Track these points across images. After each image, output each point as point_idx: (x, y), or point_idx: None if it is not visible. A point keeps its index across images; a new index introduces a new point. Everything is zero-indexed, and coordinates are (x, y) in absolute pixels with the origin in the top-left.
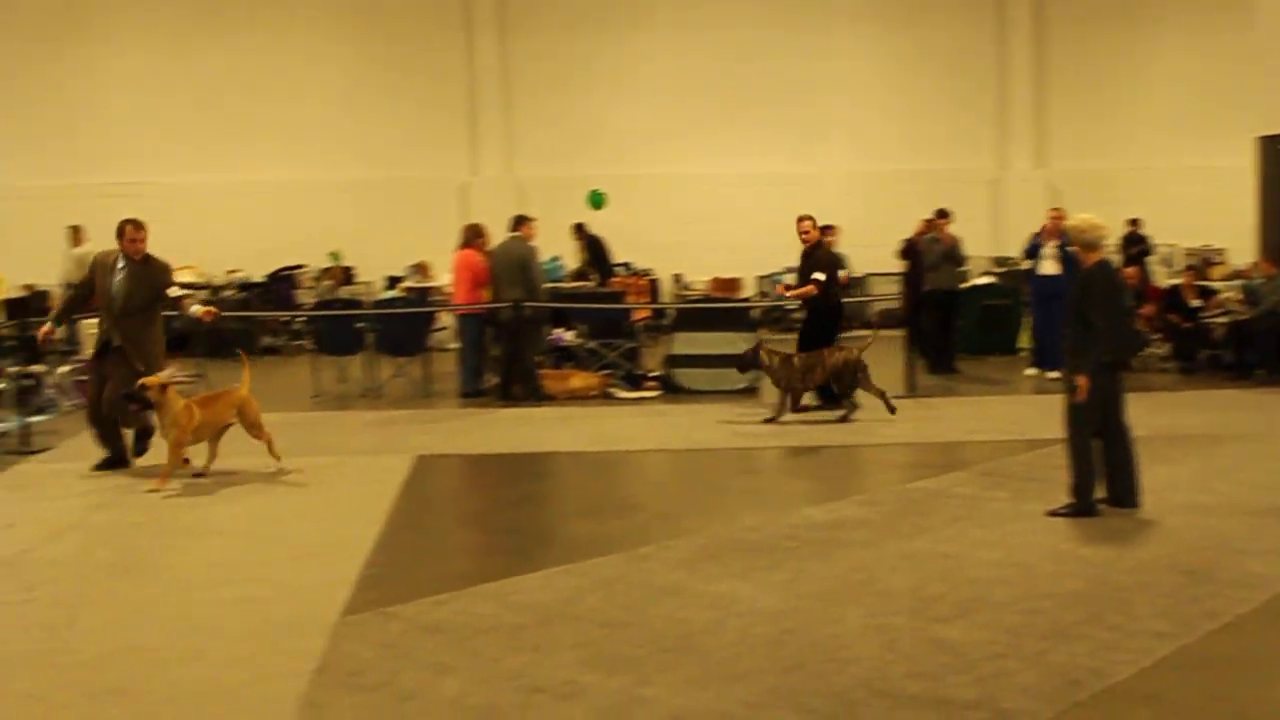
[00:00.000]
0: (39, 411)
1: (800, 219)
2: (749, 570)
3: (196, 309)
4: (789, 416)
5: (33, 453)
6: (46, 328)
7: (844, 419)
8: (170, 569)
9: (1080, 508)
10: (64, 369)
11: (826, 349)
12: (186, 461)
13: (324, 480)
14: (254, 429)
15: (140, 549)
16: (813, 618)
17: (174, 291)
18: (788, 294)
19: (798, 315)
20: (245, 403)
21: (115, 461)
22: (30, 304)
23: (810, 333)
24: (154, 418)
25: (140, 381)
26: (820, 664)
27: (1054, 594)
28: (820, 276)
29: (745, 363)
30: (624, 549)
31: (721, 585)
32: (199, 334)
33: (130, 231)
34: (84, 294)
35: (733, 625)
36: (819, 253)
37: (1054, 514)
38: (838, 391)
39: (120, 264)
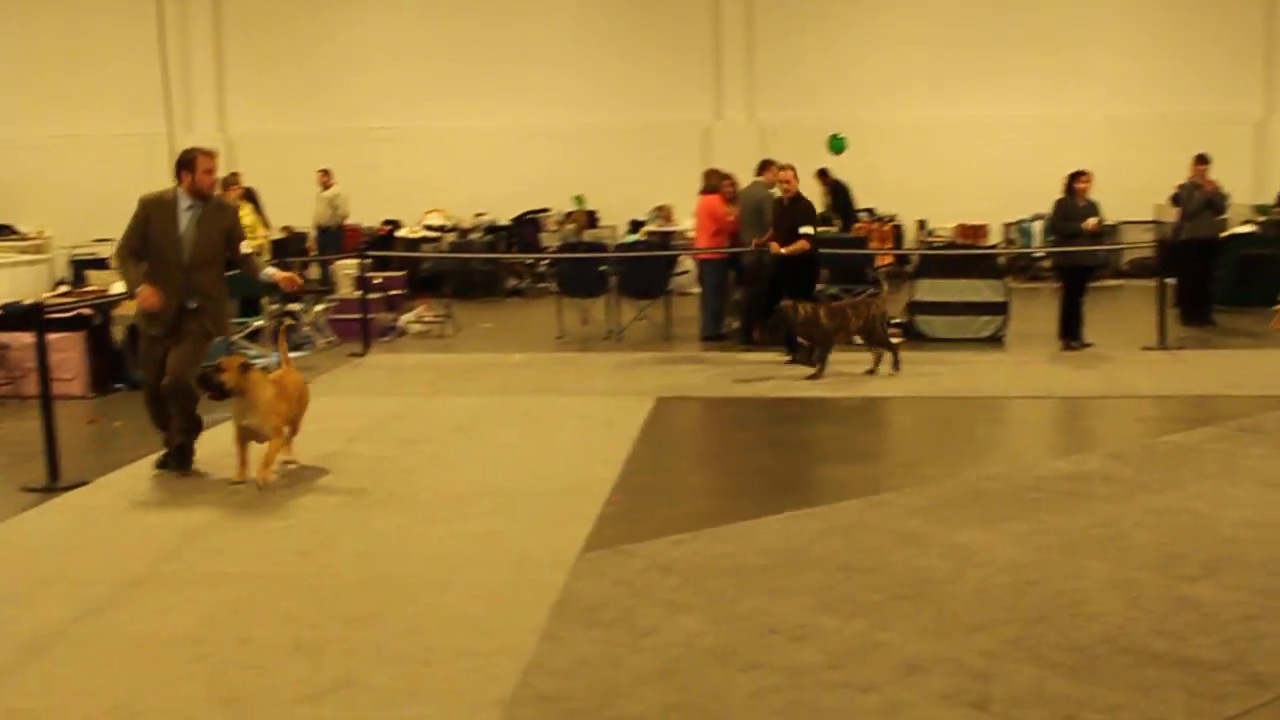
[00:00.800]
0: (296, 348)
1: (781, 168)
2: (990, 520)
3: (273, 272)
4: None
5: None
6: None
7: (817, 375)
8: (419, 502)
9: None
10: (319, 307)
11: (853, 300)
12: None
13: (566, 419)
14: (296, 420)
15: (392, 481)
16: (1054, 570)
17: (246, 247)
18: (783, 251)
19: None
20: (305, 390)
21: (183, 455)
22: (289, 245)
23: (790, 287)
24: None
25: (217, 362)
26: (1061, 617)
27: None
28: (810, 231)
29: (786, 322)
30: (864, 495)
31: (961, 534)
32: (449, 275)
33: (204, 162)
34: (136, 248)
35: (972, 575)
36: (801, 205)
37: None
38: (866, 342)
39: (186, 205)
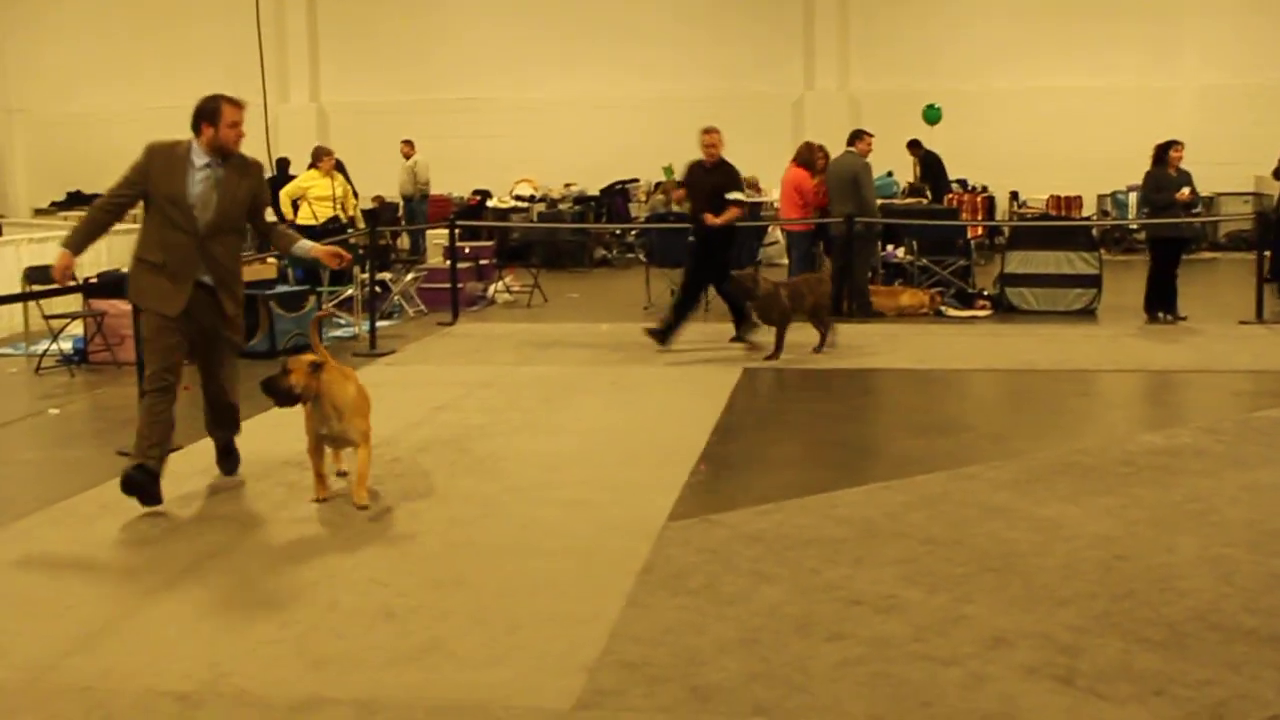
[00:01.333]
0: (386, 316)
1: (706, 130)
2: (1078, 494)
3: (311, 246)
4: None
5: (380, 355)
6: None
7: (751, 346)
8: (506, 470)
9: None
10: (409, 277)
11: (807, 277)
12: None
13: (654, 389)
14: None
15: (479, 448)
16: (1144, 545)
17: (271, 216)
18: (716, 221)
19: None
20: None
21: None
22: (380, 215)
23: (707, 258)
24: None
25: (284, 364)
26: (1151, 592)
27: None
28: (740, 197)
29: (744, 291)
30: (950, 467)
31: (1049, 508)
32: (537, 245)
33: (230, 114)
34: (122, 203)
35: (1060, 549)
36: (724, 170)
37: None
38: (814, 322)
39: (202, 163)
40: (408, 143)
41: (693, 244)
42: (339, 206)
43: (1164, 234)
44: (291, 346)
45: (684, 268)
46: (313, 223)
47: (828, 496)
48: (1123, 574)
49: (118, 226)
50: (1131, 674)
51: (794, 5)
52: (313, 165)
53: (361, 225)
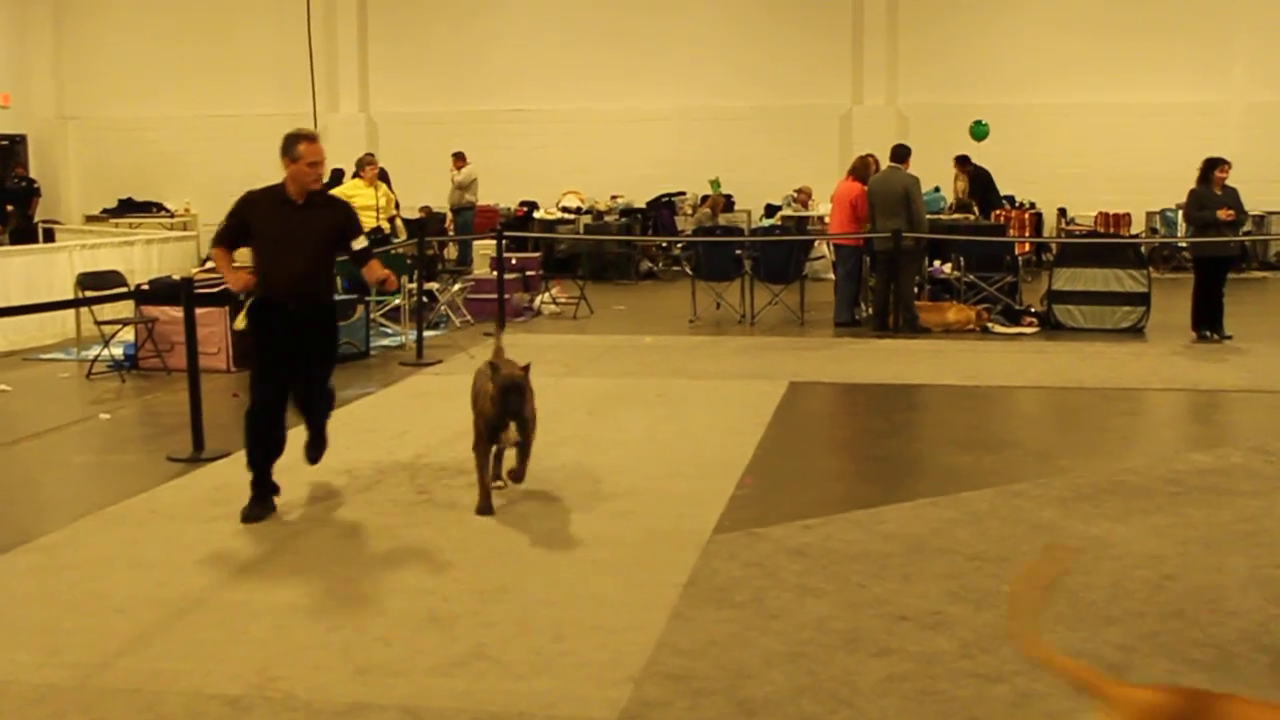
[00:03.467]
0: (433, 327)
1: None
2: (1127, 513)
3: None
4: None
5: (426, 365)
6: None
7: None
8: (552, 480)
9: None
10: (456, 287)
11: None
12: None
13: (700, 402)
14: None
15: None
16: (1193, 565)
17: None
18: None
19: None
20: None
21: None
22: (427, 225)
23: None
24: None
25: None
26: (1200, 613)
27: None
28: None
29: None
30: (996, 484)
31: (1097, 526)
32: (584, 256)
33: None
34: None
35: (1107, 568)
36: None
37: None
38: None
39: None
40: (459, 155)
41: None
42: (382, 216)
43: (1209, 252)
44: (339, 355)
45: None
46: None
47: (874, 511)
48: (1171, 594)
49: (167, 235)
50: None
51: (843, 19)
52: (356, 174)
53: (403, 236)
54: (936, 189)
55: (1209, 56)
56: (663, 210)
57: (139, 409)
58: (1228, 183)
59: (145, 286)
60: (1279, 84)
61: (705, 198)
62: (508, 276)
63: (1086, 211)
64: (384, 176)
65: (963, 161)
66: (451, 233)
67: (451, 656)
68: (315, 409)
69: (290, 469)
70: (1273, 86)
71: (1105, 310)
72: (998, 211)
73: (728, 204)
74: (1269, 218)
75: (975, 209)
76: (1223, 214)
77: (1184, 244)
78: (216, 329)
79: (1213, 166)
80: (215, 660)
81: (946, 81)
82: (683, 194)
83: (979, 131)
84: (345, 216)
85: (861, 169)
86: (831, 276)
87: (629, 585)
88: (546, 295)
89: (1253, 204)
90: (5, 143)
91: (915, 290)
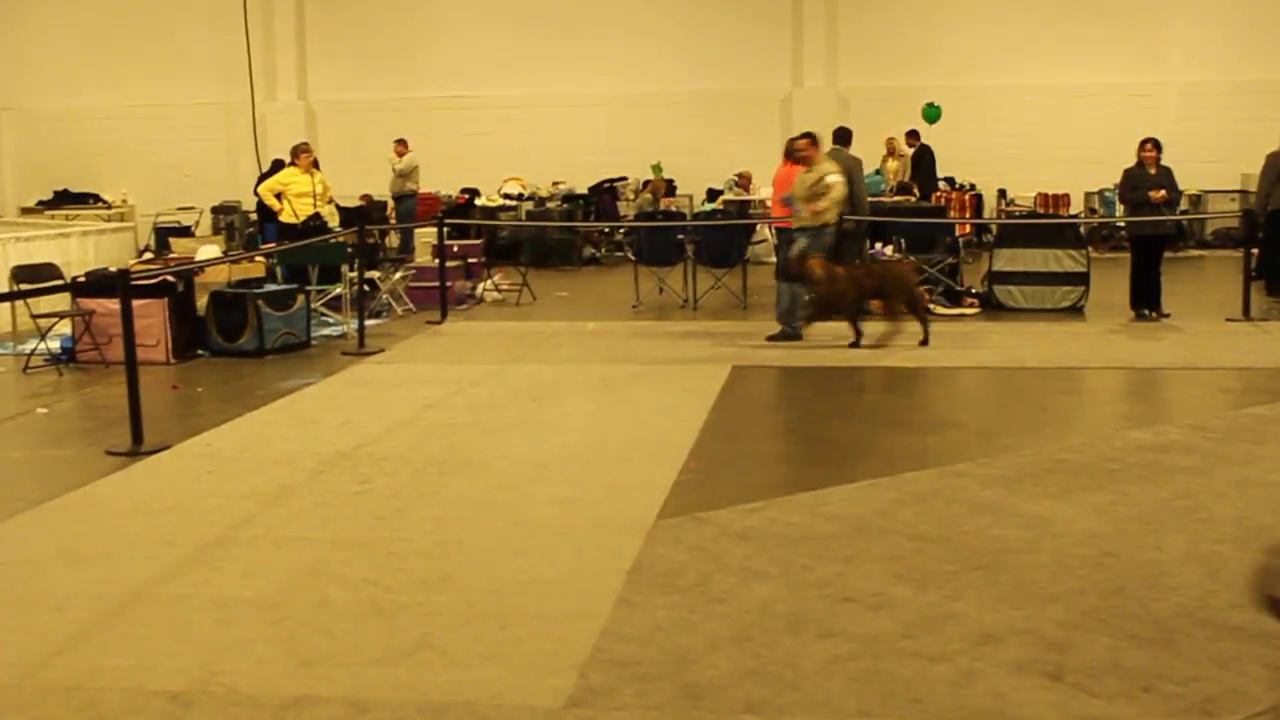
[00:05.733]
0: (374, 315)
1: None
2: (1067, 491)
3: None
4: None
5: (368, 354)
6: None
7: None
8: (496, 467)
9: None
10: (397, 275)
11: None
12: None
13: (642, 387)
14: None
15: (468, 447)
16: (1133, 542)
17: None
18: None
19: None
20: None
21: None
22: (369, 213)
23: None
24: None
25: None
26: (1140, 589)
27: None
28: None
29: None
30: (939, 464)
31: (1038, 505)
32: (526, 243)
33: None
34: None
35: (1049, 545)
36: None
37: None
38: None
39: None
40: (401, 142)
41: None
42: (320, 202)
43: (1144, 231)
44: (280, 345)
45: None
46: (294, 220)
47: (817, 494)
48: (1111, 571)
49: (104, 227)
50: (1120, 670)
51: (783, 3)
52: (291, 162)
53: (334, 222)
54: (877, 171)
55: (1146, 38)
56: (605, 196)
57: (77, 402)
58: (1162, 162)
59: (81, 279)
60: (1215, 65)
61: (647, 183)
62: (450, 264)
63: (1026, 192)
64: (317, 165)
65: (913, 135)
66: (393, 221)
67: (396, 647)
68: None
69: (233, 459)
70: (1208, 67)
71: (1045, 290)
72: (938, 194)
73: (669, 189)
74: (1205, 197)
75: (915, 190)
76: (1155, 195)
77: (1121, 224)
78: (155, 321)
79: (1140, 147)
80: (157, 655)
81: (886, 64)
82: (624, 179)
83: (931, 114)
84: None
85: (789, 147)
86: (774, 260)
87: (573, 572)
88: (489, 282)
89: (1189, 183)
90: None
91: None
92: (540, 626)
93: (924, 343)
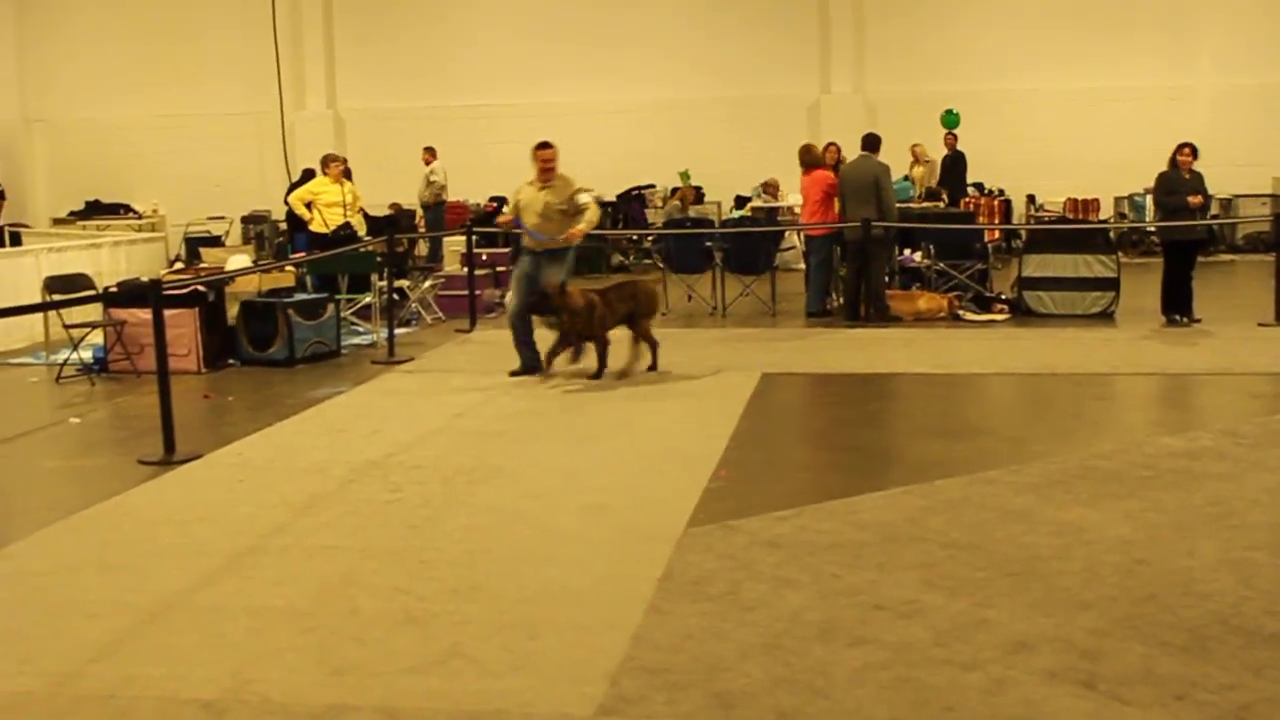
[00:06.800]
0: (404, 324)
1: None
2: (1099, 498)
3: None
4: None
5: (398, 362)
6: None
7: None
8: (525, 476)
9: None
10: (426, 284)
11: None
12: None
13: (671, 395)
14: None
15: (497, 455)
16: (1165, 549)
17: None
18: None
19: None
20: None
21: None
22: (398, 222)
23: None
24: None
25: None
26: (1172, 596)
27: None
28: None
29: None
30: (969, 472)
31: (1070, 512)
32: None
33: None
34: None
35: (1080, 553)
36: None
37: None
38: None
39: None
40: (429, 150)
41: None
42: (350, 212)
43: (1177, 236)
44: (310, 354)
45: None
46: (324, 230)
47: (847, 501)
48: (1143, 578)
49: (135, 237)
50: (1153, 678)
51: (809, 9)
52: (322, 172)
53: (362, 231)
54: (905, 178)
55: (1176, 42)
56: (633, 203)
57: (109, 412)
58: (1194, 167)
59: (113, 289)
60: (1245, 69)
61: (675, 190)
62: (479, 272)
63: (1055, 198)
64: (347, 174)
65: (951, 138)
66: (421, 229)
67: (427, 656)
68: None
69: (264, 468)
70: (1239, 71)
71: (1075, 296)
72: (967, 199)
73: (697, 196)
74: (1236, 201)
75: (944, 196)
76: (1193, 200)
77: (1152, 229)
78: (186, 330)
79: (1177, 151)
80: (189, 664)
81: (914, 70)
82: (652, 187)
83: (949, 120)
84: None
85: (806, 157)
86: (802, 267)
87: (603, 580)
88: None
89: (1219, 188)
90: None
91: (885, 279)
92: (571, 635)
93: (652, 367)
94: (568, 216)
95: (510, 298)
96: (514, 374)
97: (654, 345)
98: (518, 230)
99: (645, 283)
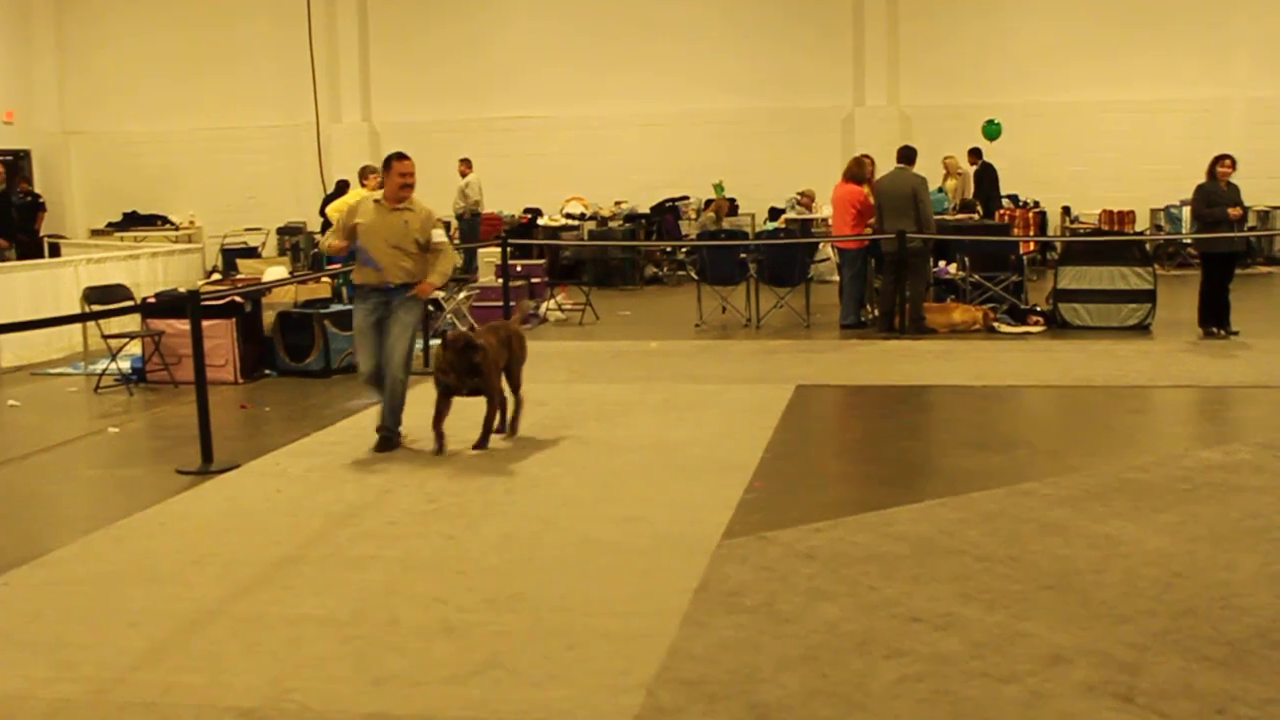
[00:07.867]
0: (439, 335)
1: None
2: (1136, 511)
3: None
4: None
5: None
6: None
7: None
8: (561, 486)
9: None
10: (461, 295)
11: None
12: None
13: (707, 407)
14: None
15: (534, 466)
16: (1204, 562)
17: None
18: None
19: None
20: None
21: None
22: None
23: None
24: None
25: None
26: (1211, 610)
27: None
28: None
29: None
30: (1006, 484)
31: (1107, 525)
32: (589, 263)
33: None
34: None
35: (1118, 566)
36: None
37: None
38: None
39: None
40: (465, 161)
41: None
42: None
43: (1215, 248)
44: (346, 365)
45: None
46: None
47: (883, 513)
48: (1182, 591)
49: (173, 248)
50: (1193, 692)
51: (843, 21)
52: (361, 183)
53: None
54: (941, 189)
55: (1212, 52)
56: (666, 215)
57: (147, 422)
58: (1231, 179)
59: (151, 300)
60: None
61: (709, 202)
62: (513, 284)
63: (1090, 209)
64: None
65: (974, 154)
66: (456, 240)
67: (466, 665)
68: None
69: (302, 478)
70: (1275, 82)
71: (1111, 308)
72: (1002, 211)
73: (731, 208)
74: (1273, 213)
75: (979, 208)
76: (1234, 212)
77: (1189, 240)
78: (224, 341)
79: (1216, 163)
80: (229, 673)
81: (948, 81)
82: (686, 199)
83: (991, 131)
84: None
85: (856, 170)
86: (836, 279)
87: (640, 591)
88: (552, 302)
89: (1256, 200)
90: (10, 158)
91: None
92: (608, 645)
93: (512, 427)
94: (421, 252)
95: (362, 359)
96: (378, 450)
97: (520, 402)
98: (338, 264)
99: (517, 326)
